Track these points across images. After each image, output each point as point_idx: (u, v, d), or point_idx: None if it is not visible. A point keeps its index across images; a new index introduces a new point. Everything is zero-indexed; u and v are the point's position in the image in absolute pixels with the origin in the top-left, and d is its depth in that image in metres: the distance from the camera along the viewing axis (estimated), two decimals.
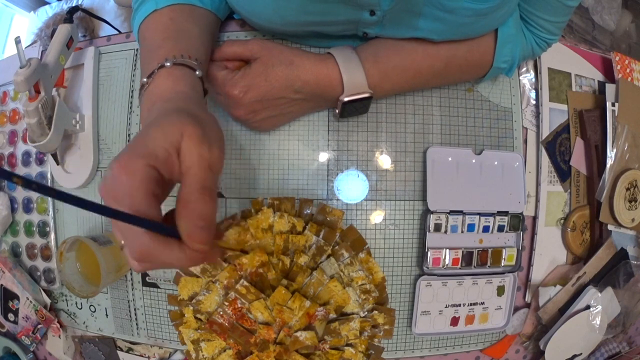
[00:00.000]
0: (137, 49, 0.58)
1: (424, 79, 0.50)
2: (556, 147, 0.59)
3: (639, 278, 0.61)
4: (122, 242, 0.31)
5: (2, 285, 0.62)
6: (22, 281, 0.61)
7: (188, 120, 0.32)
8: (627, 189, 0.60)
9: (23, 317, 0.61)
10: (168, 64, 0.39)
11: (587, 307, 0.57)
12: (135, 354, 0.59)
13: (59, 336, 0.61)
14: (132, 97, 0.57)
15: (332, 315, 0.48)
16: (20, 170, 0.63)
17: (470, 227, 0.54)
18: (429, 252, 0.53)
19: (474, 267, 0.55)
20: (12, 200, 0.63)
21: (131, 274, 0.57)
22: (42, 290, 0.61)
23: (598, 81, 0.63)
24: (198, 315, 0.49)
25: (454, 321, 0.56)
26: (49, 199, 0.60)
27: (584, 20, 1.26)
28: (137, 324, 0.58)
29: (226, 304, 0.47)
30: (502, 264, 0.56)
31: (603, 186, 0.59)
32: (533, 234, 0.58)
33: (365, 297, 0.50)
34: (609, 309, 0.59)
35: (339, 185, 0.54)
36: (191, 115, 0.33)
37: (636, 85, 0.63)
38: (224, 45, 0.47)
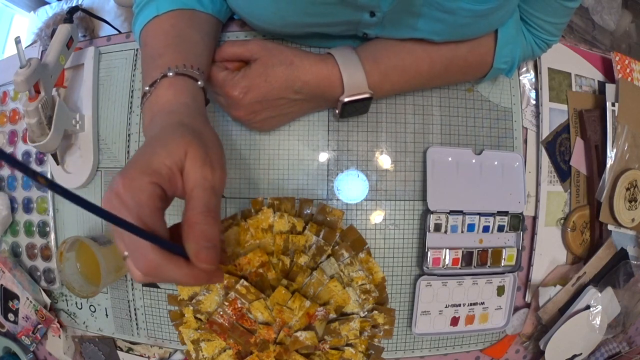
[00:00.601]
0: (137, 49, 0.58)
1: (424, 80, 0.50)
2: (556, 147, 0.59)
3: (639, 278, 0.61)
4: (126, 253, 0.31)
5: (2, 285, 0.62)
6: (22, 281, 0.61)
7: (192, 140, 0.33)
8: (627, 189, 0.60)
9: (23, 317, 0.61)
10: (170, 73, 0.40)
11: (587, 307, 0.57)
12: (135, 354, 0.59)
13: (59, 336, 0.61)
14: (132, 97, 0.57)
15: (332, 315, 0.48)
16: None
17: (470, 227, 0.54)
18: (429, 252, 0.53)
19: (474, 267, 0.55)
20: (12, 200, 0.63)
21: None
22: (42, 290, 0.61)
23: (598, 81, 0.63)
24: (198, 315, 0.49)
25: (454, 321, 0.56)
26: (49, 199, 0.60)
27: (584, 20, 1.26)
28: (137, 324, 0.58)
29: (226, 304, 0.47)
30: (502, 264, 0.56)
31: (603, 186, 0.59)
32: (533, 234, 0.58)
33: (365, 297, 0.50)
34: (609, 309, 0.59)
35: (339, 185, 0.54)
36: (195, 134, 0.34)
37: (636, 85, 0.63)
38: (224, 46, 0.47)
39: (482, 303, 0.56)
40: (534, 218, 0.58)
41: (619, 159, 0.59)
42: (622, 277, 0.59)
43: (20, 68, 0.48)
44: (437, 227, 0.53)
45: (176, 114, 0.37)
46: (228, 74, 0.45)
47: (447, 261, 0.54)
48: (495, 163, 0.55)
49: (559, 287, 0.58)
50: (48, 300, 0.61)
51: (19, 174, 0.63)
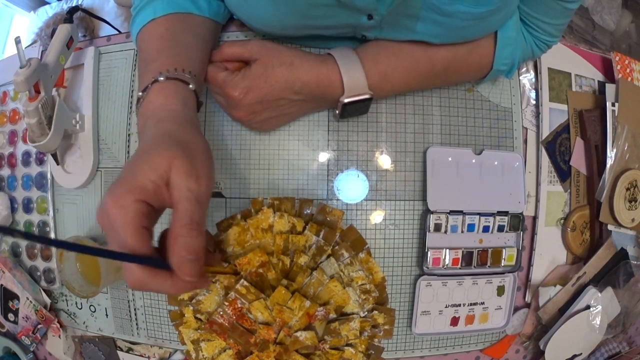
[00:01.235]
0: (137, 49, 0.58)
1: (424, 81, 0.50)
2: (556, 147, 0.59)
3: (639, 278, 0.61)
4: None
5: (2, 285, 0.62)
6: (22, 281, 0.61)
7: (176, 152, 0.33)
8: (627, 189, 0.60)
9: (23, 317, 0.61)
10: (161, 78, 0.40)
11: (587, 307, 0.57)
12: (135, 354, 0.59)
13: (59, 336, 0.61)
14: (132, 97, 0.57)
15: (332, 315, 0.48)
16: (21, 170, 0.63)
17: (470, 227, 0.54)
18: (429, 252, 0.53)
19: (474, 267, 0.55)
20: (12, 200, 0.63)
21: None
22: (42, 290, 0.61)
23: (598, 81, 0.63)
24: (198, 315, 0.49)
25: (454, 321, 0.56)
26: (49, 199, 0.60)
27: (584, 20, 1.26)
28: (137, 324, 0.58)
29: (226, 304, 0.47)
30: (502, 264, 0.56)
31: (603, 186, 0.59)
32: (533, 234, 0.58)
33: (365, 297, 0.50)
34: (609, 309, 0.59)
35: (339, 185, 0.54)
36: (181, 145, 0.35)
37: (636, 85, 0.63)
38: (223, 46, 0.47)
39: (482, 303, 0.56)
40: (534, 218, 0.58)
41: (619, 159, 0.59)
42: (622, 277, 0.59)
43: (20, 68, 0.48)
44: (437, 227, 0.53)
45: (165, 122, 0.37)
46: (228, 74, 0.45)
47: (447, 261, 0.54)
48: (495, 163, 0.55)
49: (559, 287, 0.58)
50: (48, 300, 0.61)
51: (19, 174, 0.63)
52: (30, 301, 0.60)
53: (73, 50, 0.57)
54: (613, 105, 0.60)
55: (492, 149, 0.56)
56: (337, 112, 0.49)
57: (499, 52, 0.49)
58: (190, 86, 0.41)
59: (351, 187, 0.54)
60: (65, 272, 0.52)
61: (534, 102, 0.59)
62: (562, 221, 0.59)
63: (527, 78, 0.59)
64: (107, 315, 0.59)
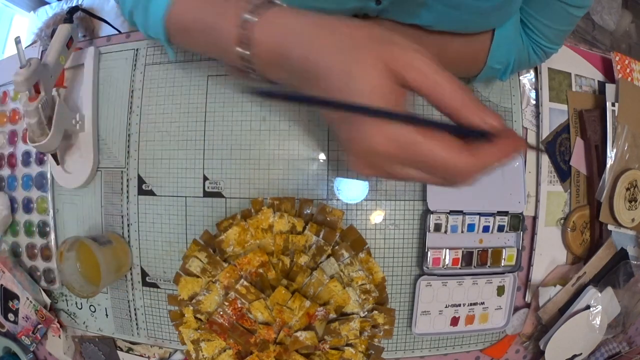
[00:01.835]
0: (137, 49, 0.58)
1: None
2: (556, 147, 0.59)
3: (639, 278, 0.61)
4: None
5: (2, 285, 0.62)
6: (22, 281, 0.61)
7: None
8: (627, 189, 0.60)
9: (23, 317, 0.61)
10: (253, 17, 0.33)
11: (587, 307, 0.57)
12: (135, 354, 0.59)
13: (59, 336, 0.61)
14: (132, 97, 0.57)
15: (332, 315, 0.48)
16: (21, 170, 0.63)
17: (470, 227, 0.54)
18: (429, 252, 0.53)
19: (474, 267, 0.55)
20: (12, 200, 0.63)
21: (131, 274, 0.57)
22: (42, 290, 0.61)
23: (598, 81, 0.63)
24: (198, 315, 0.49)
25: (454, 321, 0.56)
26: (49, 199, 0.60)
27: (584, 20, 1.26)
28: (137, 324, 0.58)
29: (226, 304, 0.47)
30: (502, 264, 0.56)
31: (603, 186, 0.59)
32: (533, 234, 0.58)
33: (365, 297, 0.50)
34: (609, 309, 0.59)
35: (339, 185, 0.54)
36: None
37: (636, 85, 0.63)
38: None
39: (482, 303, 0.56)
40: (534, 218, 0.58)
41: (619, 159, 0.59)
42: (622, 277, 0.59)
43: (20, 68, 0.48)
44: (437, 227, 0.53)
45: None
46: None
47: (447, 261, 0.54)
48: None
49: (559, 287, 0.58)
50: (48, 300, 0.61)
51: (19, 174, 0.63)
52: (30, 301, 0.60)
53: (73, 50, 0.57)
54: (613, 105, 0.60)
55: None
56: None
57: (495, 49, 0.49)
58: None
59: (351, 187, 0.54)
60: (65, 272, 0.52)
61: (534, 102, 0.59)
62: (562, 221, 0.59)
63: (527, 78, 0.59)
64: (107, 315, 0.59)
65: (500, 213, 0.55)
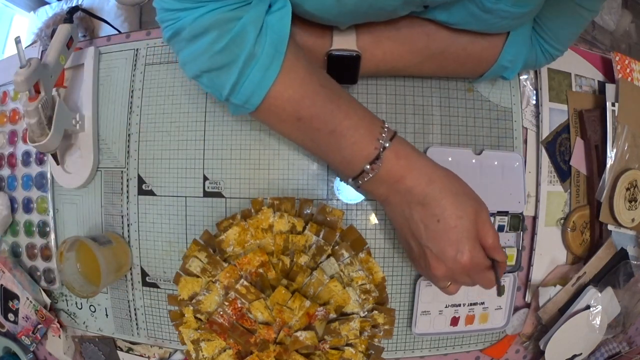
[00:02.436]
0: (137, 49, 0.58)
1: (419, 59, 0.48)
2: (556, 147, 0.59)
3: (639, 278, 0.61)
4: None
5: (2, 285, 0.62)
6: (22, 281, 0.61)
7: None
8: (627, 189, 0.60)
9: (23, 317, 0.61)
10: (387, 144, 0.42)
11: (587, 307, 0.57)
12: (135, 354, 0.59)
13: (59, 336, 0.61)
14: (132, 97, 0.57)
15: (332, 315, 0.48)
16: (21, 170, 0.63)
17: None
18: None
19: None
20: (12, 200, 0.63)
21: (131, 274, 0.57)
22: (42, 290, 0.61)
23: (598, 81, 0.63)
24: (198, 315, 0.49)
25: (454, 321, 0.56)
26: (49, 199, 0.60)
27: None
28: (137, 324, 0.58)
29: (226, 303, 0.47)
30: None
31: (603, 186, 0.59)
32: (533, 234, 0.58)
33: (365, 297, 0.50)
34: (609, 309, 0.59)
35: (339, 185, 0.54)
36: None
37: (636, 85, 0.63)
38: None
39: (482, 303, 0.56)
40: (534, 218, 0.58)
41: (619, 159, 0.59)
42: (622, 277, 0.59)
43: (20, 68, 0.48)
44: None
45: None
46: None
47: None
48: (495, 163, 0.55)
49: (559, 287, 0.58)
50: (48, 300, 0.61)
51: (19, 174, 0.63)
52: (30, 301, 0.60)
53: (73, 50, 0.57)
54: (613, 105, 0.60)
55: (492, 149, 0.56)
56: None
57: (508, 47, 0.48)
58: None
59: (351, 187, 0.54)
60: (65, 272, 0.52)
61: (534, 102, 0.59)
62: (562, 221, 0.59)
63: (527, 78, 0.59)
64: (107, 315, 0.59)
65: (500, 213, 0.55)
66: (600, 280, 0.59)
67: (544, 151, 0.58)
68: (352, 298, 0.48)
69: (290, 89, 0.40)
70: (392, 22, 0.46)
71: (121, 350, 0.60)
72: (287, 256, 0.48)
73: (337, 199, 0.54)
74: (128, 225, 0.57)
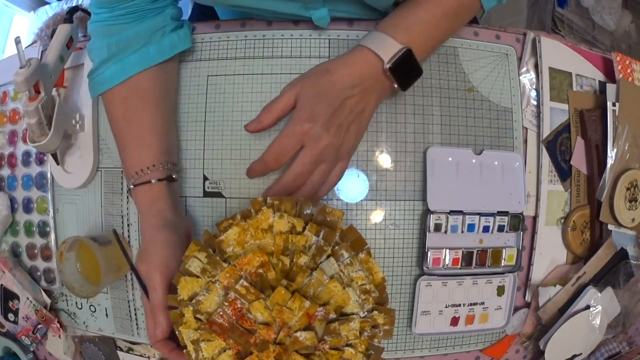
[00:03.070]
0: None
1: (444, 28, 0.50)
2: (557, 146, 0.59)
3: (639, 278, 0.61)
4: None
5: (2, 285, 0.62)
6: (22, 281, 0.61)
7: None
8: (628, 189, 0.60)
9: (23, 317, 0.61)
10: (153, 181, 0.49)
11: (587, 307, 0.57)
12: (135, 354, 0.59)
13: (59, 336, 0.61)
14: None
15: (332, 316, 0.48)
16: (21, 170, 0.63)
17: (470, 227, 0.54)
18: (429, 252, 0.53)
19: (474, 267, 0.55)
20: (12, 200, 0.63)
21: (131, 274, 0.57)
22: (42, 290, 0.61)
23: (599, 81, 0.63)
24: (198, 316, 0.49)
25: (454, 321, 0.56)
26: (49, 199, 0.60)
27: (584, 20, 1.26)
28: (137, 324, 0.58)
29: (226, 304, 0.46)
30: (502, 264, 0.56)
31: (603, 186, 0.59)
32: (533, 233, 0.58)
33: (365, 297, 0.50)
34: (609, 309, 0.59)
35: (339, 185, 0.54)
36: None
37: (637, 85, 0.63)
38: (265, 114, 0.49)
39: (482, 303, 0.56)
40: (534, 217, 0.58)
41: (620, 159, 0.59)
42: (622, 277, 0.59)
43: (20, 68, 0.48)
44: (437, 227, 0.53)
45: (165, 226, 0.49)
46: (289, 130, 0.46)
47: (447, 261, 0.54)
48: (495, 163, 0.55)
49: (559, 287, 0.58)
50: (48, 300, 0.61)
51: (19, 174, 0.63)
52: (30, 301, 0.60)
53: (73, 50, 0.57)
54: (614, 105, 0.60)
55: (492, 149, 0.56)
56: (395, 85, 0.48)
57: None
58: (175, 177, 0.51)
59: (351, 187, 0.54)
60: (65, 272, 0.52)
61: (534, 102, 0.59)
62: (562, 220, 0.59)
63: (527, 78, 0.59)
64: (107, 315, 0.59)
65: (500, 213, 0.55)
66: (600, 280, 0.59)
67: (544, 150, 0.58)
68: (352, 298, 0.48)
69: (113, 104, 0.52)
70: (407, 11, 0.48)
71: (121, 350, 0.60)
72: (287, 256, 0.48)
73: (337, 199, 0.54)
74: (128, 225, 0.57)
